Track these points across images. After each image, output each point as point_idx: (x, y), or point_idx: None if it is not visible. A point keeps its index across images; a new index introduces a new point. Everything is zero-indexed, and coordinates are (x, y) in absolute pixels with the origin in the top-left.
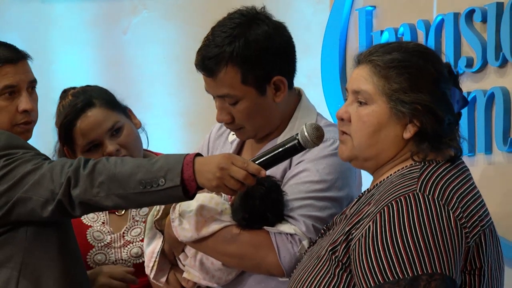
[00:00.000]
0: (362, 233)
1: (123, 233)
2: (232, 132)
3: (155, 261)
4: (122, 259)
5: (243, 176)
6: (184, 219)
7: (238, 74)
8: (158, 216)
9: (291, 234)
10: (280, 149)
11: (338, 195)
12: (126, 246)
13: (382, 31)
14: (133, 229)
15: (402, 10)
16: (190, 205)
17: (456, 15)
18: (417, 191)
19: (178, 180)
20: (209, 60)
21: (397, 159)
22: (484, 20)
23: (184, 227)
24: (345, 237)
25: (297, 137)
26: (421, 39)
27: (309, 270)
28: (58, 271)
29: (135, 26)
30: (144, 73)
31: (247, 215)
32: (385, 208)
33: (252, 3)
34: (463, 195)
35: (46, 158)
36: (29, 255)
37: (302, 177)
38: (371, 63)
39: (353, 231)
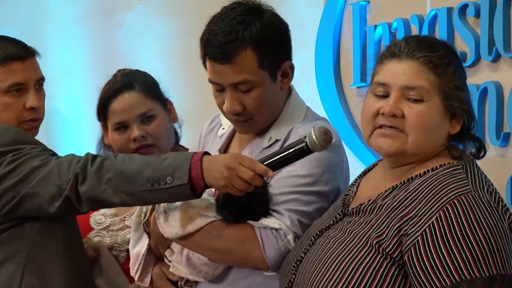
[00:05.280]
0: (423, 233)
1: (124, 217)
2: (223, 127)
3: (140, 263)
4: (116, 243)
5: (251, 176)
6: (169, 215)
7: (255, 58)
8: (146, 218)
9: (276, 229)
10: (288, 151)
11: (325, 189)
12: (123, 230)
13: (375, 26)
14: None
15: (395, 5)
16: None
17: (449, 10)
18: (473, 192)
19: (186, 179)
20: (227, 45)
21: (432, 155)
22: (477, 14)
23: (169, 224)
24: (395, 232)
25: (305, 140)
26: (414, 34)
27: (342, 254)
28: (63, 266)
29: (130, 21)
30: (139, 68)
31: (235, 210)
32: (447, 206)
33: None
34: (498, 194)
35: (54, 154)
36: (34, 251)
37: (288, 171)
38: (420, 59)
39: (405, 227)
